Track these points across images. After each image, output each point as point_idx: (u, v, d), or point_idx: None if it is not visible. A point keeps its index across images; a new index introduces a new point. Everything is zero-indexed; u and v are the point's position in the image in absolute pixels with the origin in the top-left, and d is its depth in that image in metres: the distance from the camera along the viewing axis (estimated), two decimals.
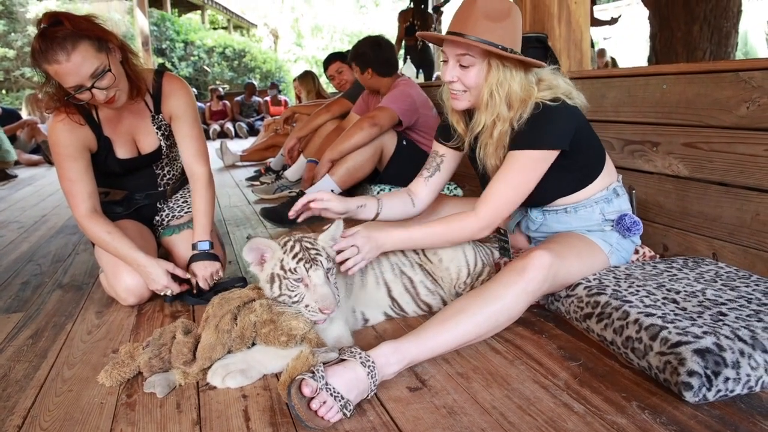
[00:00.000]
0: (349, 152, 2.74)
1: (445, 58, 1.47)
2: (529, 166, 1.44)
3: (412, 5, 6.22)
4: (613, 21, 4.98)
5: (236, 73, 14.98)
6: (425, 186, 1.70)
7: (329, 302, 1.28)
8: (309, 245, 1.35)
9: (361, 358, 1.13)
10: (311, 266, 1.31)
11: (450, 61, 1.45)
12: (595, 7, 4.58)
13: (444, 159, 1.69)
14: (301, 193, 2.74)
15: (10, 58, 13.11)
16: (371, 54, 2.92)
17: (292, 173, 3.52)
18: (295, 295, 1.32)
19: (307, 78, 5.57)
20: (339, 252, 1.39)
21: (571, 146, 1.45)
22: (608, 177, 1.59)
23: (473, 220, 1.46)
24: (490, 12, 1.37)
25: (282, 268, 1.33)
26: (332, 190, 2.72)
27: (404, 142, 2.87)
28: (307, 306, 1.31)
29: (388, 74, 2.98)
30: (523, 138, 1.43)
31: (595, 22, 4.76)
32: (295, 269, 1.31)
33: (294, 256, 1.32)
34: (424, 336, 1.24)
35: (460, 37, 1.38)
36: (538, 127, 1.41)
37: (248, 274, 2.02)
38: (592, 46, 4.72)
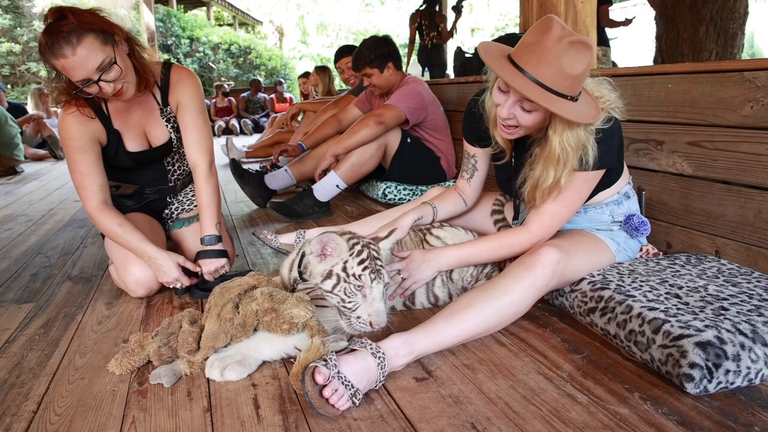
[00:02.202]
0: (353, 148, 2.75)
1: (505, 88, 1.35)
2: (584, 186, 1.45)
3: (423, 7, 6.25)
4: (628, 22, 4.98)
5: (241, 70, 15.03)
6: (469, 186, 1.78)
7: (382, 319, 1.28)
8: (376, 254, 1.34)
9: (372, 349, 1.16)
10: (375, 278, 1.29)
11: (511, 96, 1.34)
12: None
13: (477, 159, 1.73)
14: (309, 189, 2.76)
15: (15, 53, 13.17)
16: (388, 48, 2.91)
17: None
18: (350, 302, 1.30)
19: (324, 72, 5.60)
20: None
21: None
22: (622, 181, 1.59)
23: (525, 236, 1.48)
24: (573, 59, 1.23)
25: (344, 270, 1.31)
26: (337, 186, 2.75)
27: (408, 140, 2.88)
28: (359, 317, 1.29)
29: (401, 67, 2.99)
30: (580, 158, 1.40)
31: (611, 23, 4.77)
32: (359, 276, 1.29)
33: (361, 262, 1.30)
34: (433, 329, 1.26)
35: (534, 84, 1.26)
36: (595, 148, 1.39)
37: (255, 268, 2.05)
38: (608, 45, 4.72)
